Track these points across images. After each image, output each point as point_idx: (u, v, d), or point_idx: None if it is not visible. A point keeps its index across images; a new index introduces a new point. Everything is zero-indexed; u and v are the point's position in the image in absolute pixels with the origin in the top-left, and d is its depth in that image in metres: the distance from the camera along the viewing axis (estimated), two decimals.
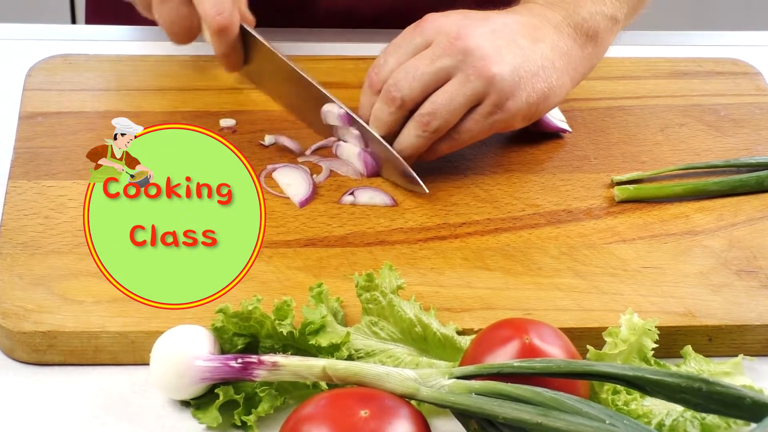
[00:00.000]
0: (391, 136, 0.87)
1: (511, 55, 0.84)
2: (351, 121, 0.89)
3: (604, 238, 0.86)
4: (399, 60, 0.85)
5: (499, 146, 0.96)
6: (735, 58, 1.09)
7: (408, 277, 0.79)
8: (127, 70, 1.04)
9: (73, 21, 1.98)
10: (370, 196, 0.88)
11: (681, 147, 0.97)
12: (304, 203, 0.87)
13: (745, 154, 0.95)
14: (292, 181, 0.88)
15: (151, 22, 1.13)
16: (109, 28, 1.14)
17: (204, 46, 1.02)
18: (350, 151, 0.90)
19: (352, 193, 0.88)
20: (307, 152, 0.92)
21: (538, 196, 0.90)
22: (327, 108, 0.90)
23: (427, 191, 0.87)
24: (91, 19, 1.26)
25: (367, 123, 0.88)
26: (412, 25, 0.86)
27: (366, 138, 0.89)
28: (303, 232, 0.85)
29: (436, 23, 0.85)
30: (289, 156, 0.92)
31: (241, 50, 0.94)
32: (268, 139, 0.95)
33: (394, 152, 0.87)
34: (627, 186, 0.90)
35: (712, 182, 0.91)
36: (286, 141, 0.94)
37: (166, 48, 1.05)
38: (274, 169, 0.90)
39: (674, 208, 0.89)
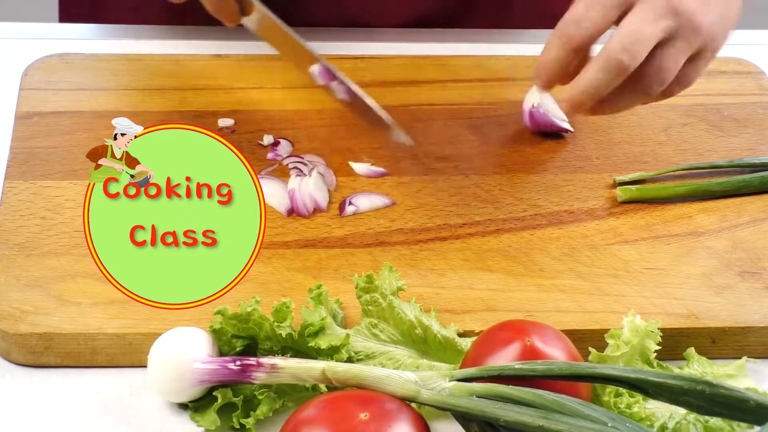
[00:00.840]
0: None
1: (714, 2, 0.80)
2: (332, 76, 0.91)
3: (606, 239, 0.86)
4: (606, 16, 0.77)
5: (501, 146, 0.96)
6: (739, 57, 1.09)
7: (408, 279, 0.79)
8: (124, 69, 1.04)
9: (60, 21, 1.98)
10: (370, 200, 0.88)
11: (684, 147, 0.97)
12: (291, 211, 0.87)
13: (748, 155, 0.95)
14: (273, 192, 0.88)
15: (142, 21, 1.13)
16: (106, 26, 1.14)
17: (202, 45, 1.02)
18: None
19: (351, 203, 0.88)
20: (284, 162, 0.92)
21: (540, 196, 0.90)
22: (312, 69, 0.91)
23: (412, 142, 0.89)
24: (65, 18, 1.25)
25: (548, 79, 0.80)
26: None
27: (351, 92, 0.90)
28: (302, 233, 0.85)
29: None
30: (267, 162, 0.92)
31: (234, 2, 0.93)
32: (267, 139, 0.95)
33: (380, 110, 0.89)
34: (629, 186, 0.90)
35: (715, 183, 0.91)
36: (284, 144, 0.94)
37: (164, 47, 1.05)
38: None
39: (677, 208, 0.89)
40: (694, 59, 0.81)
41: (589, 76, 0.77)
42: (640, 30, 0.76)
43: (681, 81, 0.82)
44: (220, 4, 0.91)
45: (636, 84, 0.79)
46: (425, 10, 1.11)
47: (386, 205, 0.87)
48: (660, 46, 0.78)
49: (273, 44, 0.95)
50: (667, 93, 0.83)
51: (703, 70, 0.84)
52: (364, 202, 0.88)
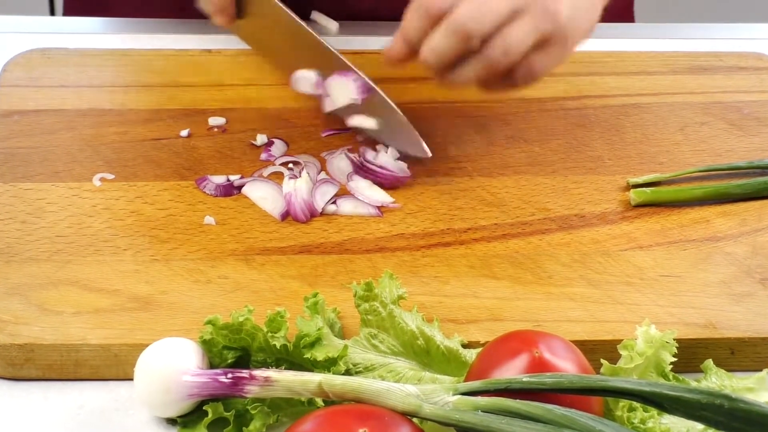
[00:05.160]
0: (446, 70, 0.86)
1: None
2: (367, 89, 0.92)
3: (619, 244, 0.86)
4: None
5: (507, 146, 0.96)
6: (759, 52, 1.09)
7: (410, 287, 0.79)
8: (109, 65, 1.04)
9: (52, 13, 1.99)
10: (354, 205, 0.88)
11: (701, 147, 0.97)
12: (285, 215, 0.87)
13: None
14: (266, 195, 0.88)
15: (134, 14, 1.13)
16: (90, 20, 1.14)
17: (191, 40, 1.02)
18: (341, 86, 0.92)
19: (334, 202, 0.88)
20: (277, 163, 0.92)
21: (549, 199, 0.90)
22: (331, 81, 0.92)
23: (430, 154, 0.90)
24: (70, 11, 1.26)
25: (411, 46, 0.85)
26: None
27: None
28: (297, 238, 0.85)
29: None
30: (260, 163, 0.92)
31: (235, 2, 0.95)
32: (261, 139, 0.95)
33: (402, 116, 0.90)
34: (644, 189, 0.90)
35: (734, 185, 0.91)
36: (278, 144, 0.94)
37: (151, 42, 1.06)
38: (243, 184, 0.89)
39: (694, 212, 0.89)
40: (543, 47, 0.84)
41: (436, 38, 0.83)
42: (489, 2, 0.82)
43: (528, 68, 0.85)
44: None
45: (479, 54, 0.83)
46: None
47: (370, 213, 0.87)
48: (508, 23, 0.83)
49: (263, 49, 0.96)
50: (514, 79, 0.85)
51: (553, 64, 0.86)
52: (347, 206, 0.88)
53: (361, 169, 0.91)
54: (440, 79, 0.85)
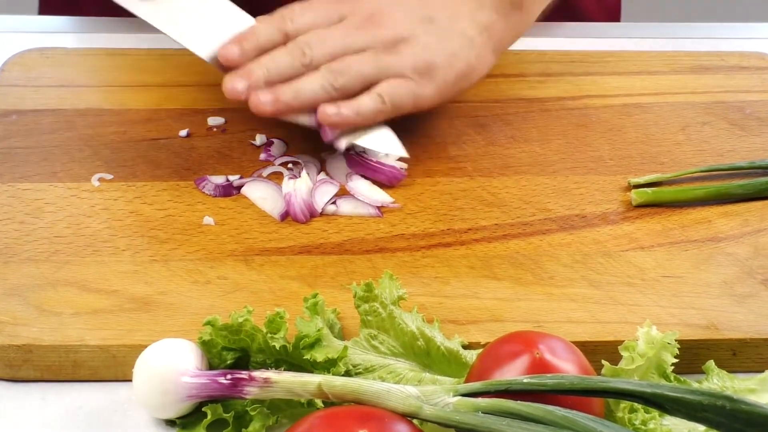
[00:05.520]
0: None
1: (427, 36, 0.86)
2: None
3: (620, 245, 0.86)
4: (315, 21, 0.86)
5: (507, 146, 0.96)
6: (761, 51, 1.09)
7: (410, 287, 0.79)
8: (108, 64, 1.04)
9: (40, 12, 1.98)
10: (354, 206, 0.88)
11: (703, 147, 0.97)
12: (285, 216, 0.87)
13: None
14: (266, 195, 0.88)
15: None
16: (88, 19, 1.14)
17: None
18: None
19: (334, 203, 0.88)
20: (277, 163, 0.92)
21: (550, 199, 0.90)
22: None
23: (407, 154, 0.90)
24: (43, 10, 1.25)
25: (245, 54, 0.86)
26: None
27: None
28: (297, 238, 0.85)
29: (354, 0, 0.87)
30: (260, 163, 0.92)
31: None
32: (260, 139, 0.95)
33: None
34: (645, 189, 0.90)
35: (736, 185, 0.91)
36: (276, 144, 0.94)
37: (150, 41, 1.05)
38: (242, 184, 0.89)
39: (696, 212, 0.89)
40: (387, 53, 0.86)
41: (276, 52, 0.85)
42: (332, 35, 0.86)
43: (380, 91, 0.86)
44: None
45: (321, 70, 0.85)
46: None
47: (370, 214, 0.87)
48: (350, 53, 0.86)
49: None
50: (353, 113, 0.86)
51: (403, 80, 0.87)
52: (347, 206, 0.88)
53: (358, 164, 0.91)
54: (271, 95, 0.85)
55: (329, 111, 0.84)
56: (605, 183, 0.92)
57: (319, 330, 0.72)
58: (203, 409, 0.70)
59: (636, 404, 0.70)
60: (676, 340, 0.73)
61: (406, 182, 0.91)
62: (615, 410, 0.71)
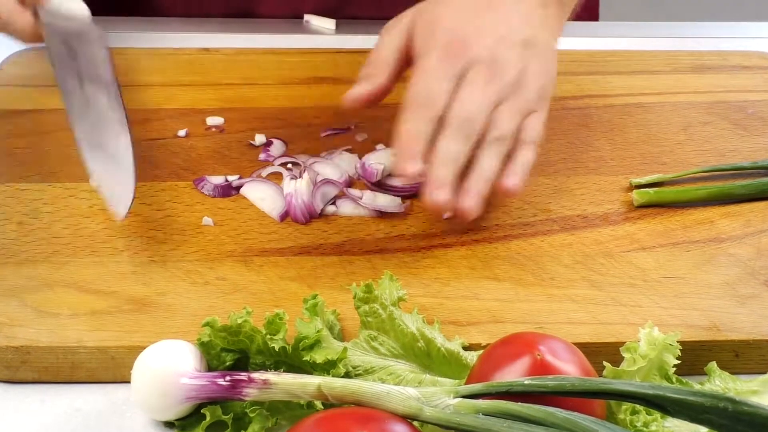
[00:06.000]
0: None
1: (534, 63, 0.88)
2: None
3: (621, 245, 0.86)
4: (448, 89, 0.85)
5: None
6: (763, 51, 1.10)
7: (410, 288, 0.79)
8: None
9: None
10: (354, 206, 0.88)
11: (705, 147, 0.97)
12: (284, 216, 0.87)
13: None
14: (265, 196, 0.89)
15: (129, 13, 1.13)
16: None
17: (189, 38, 1.02)
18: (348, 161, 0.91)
19: (334, 203, 0.88)
20: (276, 163, 0.92)
21: (551, 200, 0.90)
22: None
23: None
24: None
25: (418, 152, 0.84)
26: (442, 51, 0.87)
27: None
28: (296, 239, 0.85)
29: (463, 48, 0.87)
30: (259, 163, 0.93)
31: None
32: (259, 139, 0.95)
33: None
34: (647, 189, 0.91)
35: (738, 185, 0.91)
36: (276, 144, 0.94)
37: (148, 40, 1.05)
38: (241, 184, 0.90)
39: (698, 213, 0.90)
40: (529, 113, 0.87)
41: (446, 146, 0.83)
42: (477, 98, 0.85)
43: (527, 131, 0.87)
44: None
45: (488, 146, 0.85)
46: None
47: (370, 215, 0.88)
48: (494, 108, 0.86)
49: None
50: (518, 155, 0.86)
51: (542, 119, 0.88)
52: (347, 207, 0.88)
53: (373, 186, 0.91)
54: (474, 197, 0.84)
55: (513, 184, 0.85)
56: (606, 183, 0.92)
57: (318, 331, 0.72)
58: (202, 411, 0.70)
59: (638, 406, 0.70)
60: (678, 342, 0.73)
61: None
62: (617, 412, 0.71)
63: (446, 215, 0.86)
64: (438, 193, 0.82)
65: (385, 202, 0.88)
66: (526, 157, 0.86)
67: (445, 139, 0.83)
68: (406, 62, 0.89)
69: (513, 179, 0.84)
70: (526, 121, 0.87)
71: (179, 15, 1.14)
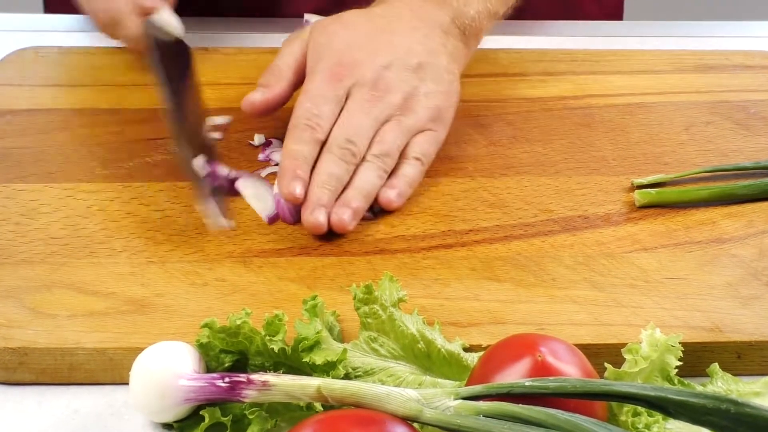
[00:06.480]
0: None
1: (425, 84, 0.91)
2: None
3: (623, 246, 0.86)
4: (334, 110, 0.89)
5: (509, 146, 0.96)
6: (766, 50, 1.10)
7: (410, 289, 0.79)
8: (103, 63, 1.04)
9: (46, 10, 1.99)
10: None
11: (707, 147, 0.97)
12: (274, 219, 0.87)
13: None
14: (258, 193, 0.89)
15: None
16: (83, 17, 1.14)
17: (187, 37, 1.02)
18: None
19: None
20: (274, 163, 0.93)
21: (552, 200, 0.90)
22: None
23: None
24: (50, 8, 1.26)
25: (299, 168, 0.87)
26: (328, 73, 0.90)
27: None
28: (296, 240, 0.85)
29: (350, 69, 0.90)
30: (258, 163, 0.93)
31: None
32: (258, 139, 0.95)
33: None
34: (648, 190, 0.91)
35: (741, 185, 0.91)
36: (275, 145, 0.94)
37: None
38: (237, 177, 0.90)
39: (700, 213, 0.90)
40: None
41: (326, 168, 0.87)
42: (359, 120, 0.89)
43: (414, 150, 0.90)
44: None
45: (369, 163, 0.88)
46: None
47: (368, 219, 0.88)
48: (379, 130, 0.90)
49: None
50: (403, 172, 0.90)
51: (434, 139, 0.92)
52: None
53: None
54: (349, 210, 0.86)
55: (392, 197, 0.88)
56: (608, 183, 0.92)
57: (318, 332, 0.72)
58: (201, 413, 0.70)
59: (639, 408, 0.70)
60: (680, 343, 0.73)
61: None
62: (618, 414, 0.71)
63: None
64: (315, 214, 0.85)
65: None
66: (407, 171, 0.89)
67: (324, 162, 0.87)
68: (302, 75, 0.92)
69: (390, 192, 0.88)
70: (413, 139, 0.90)
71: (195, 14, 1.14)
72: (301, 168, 0.86)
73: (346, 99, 0.90)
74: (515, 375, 0.68)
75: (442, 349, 0.74)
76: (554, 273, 0.83)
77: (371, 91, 0.90)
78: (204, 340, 0.71)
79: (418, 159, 0.90)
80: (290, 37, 0.95)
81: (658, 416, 0.70)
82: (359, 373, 0.73)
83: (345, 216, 0.85)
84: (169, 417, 0.71)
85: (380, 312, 0.75)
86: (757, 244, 0.87)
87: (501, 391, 0.66)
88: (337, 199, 0.86)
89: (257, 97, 0.92)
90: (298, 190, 0.85)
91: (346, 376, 0.72)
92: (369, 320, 0.75)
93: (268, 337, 0.71)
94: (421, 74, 0.92)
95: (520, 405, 0.64)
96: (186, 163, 0.87)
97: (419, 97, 0.91)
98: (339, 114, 0.89)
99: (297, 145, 0.87)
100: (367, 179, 0.88)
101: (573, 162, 0.95)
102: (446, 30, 0.95)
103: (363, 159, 0.88)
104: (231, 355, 0.72)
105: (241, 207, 0.88)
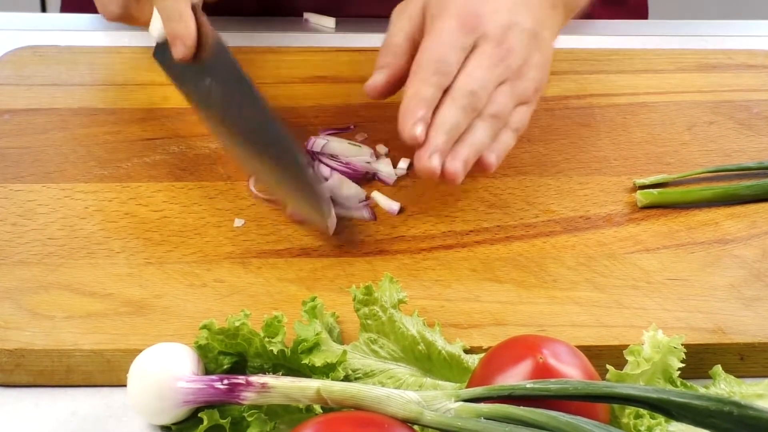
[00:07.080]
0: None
1: (538, 55, 0.89)
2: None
3: (625, 247, 0.86)
4: (460, 60, 0.87)
5: None
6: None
7: (410, 290, 0.79)
8: (102, 62, 1.04)
9: (43, 9, 1.99)
10: (345, 210, 0.88)
11: (710, 147, 0.97)
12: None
13: None
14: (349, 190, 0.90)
15: None
16: (81, 17, 1.14)
17: None
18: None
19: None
20: None
21: (554, 201, 0.90)
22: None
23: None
24: (67, 7, 1.26)
25: (420, 110, 0.85)
26: (457, 21, 0.88)
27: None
28: (295, 240, 0.85)
29: (478, 20, 0.88)
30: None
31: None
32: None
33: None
34: (651, 190, 0.90)
35: (744, 186, 0.91)
36: None
37: (145, 39, 1.05)
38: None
39: (702, 214, 0.89)
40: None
41: (449, 114, 0.85)
42: (484, 76, 0.86)
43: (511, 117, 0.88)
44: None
45: (484, 120, 0.86)
46: None
47: (366, 219, 0.88)
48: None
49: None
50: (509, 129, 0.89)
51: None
52: (337, 209, 0.88)
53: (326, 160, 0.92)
54: (461, 164, 0.85)
55: (493, 161, 0.87)
56: (610, 184, 0.92)
57: (317, 334, 0.72)
58: (199, 415, 0.70)
59: (641, 410, 0.70)
60: (682, 345, 0.73)
61: (407, 183, 0.91)
62: (620, 416, 0.71)
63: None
64: (433, 159, 0.83)
65: (350, 191, 0.89)
66: (506, 139, 0.87)
67: (448, 108, 0.85)
68: (417, 49, 0.89)
69: (492, 156, 0.86)
70: (517, 109, 0.88)
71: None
72: (422, 110, 0.85)
73: (471, 50, 0.88)
74: (516, 377, 0.67)
75: (443, 351, 0.74)
76: (555, 274, 0.83)
77: (497, 47, 0.88)
78: (202, 342, 0.71)
79: (517, 130, 0.88)
80: (396, 12, 0.93)
81: (661, 418, 0.70)
82: (359, 375, 0.73)
83: (459, 166, 0.84)
84: (168, 419, 0.70)
85: (380, 313, 0.75)
86: (761, 244, 0.87)
87: (502, 393, 0.66)
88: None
89: (380, 79, 0.90)
90: (419, 131, 0.83)
91: (346, 378, 0.72)
92: (369, 322, 0.75)
93: (267, 339, 0.71)
94: (534, 43, 0.90)
95: (522, 407, 0.64)
96: (302, 171, 0.85)
97: (530, 66, 0.89)
98: (462, 64, 0.87)
99: (423, 86, 0.85)
100: (481, 137, 0.86)
101: (574, 162, 0.95)
102: (554, 3, 0.94)
103: (480, 114, 0.86)
104: (230, 356, 0.72)
105: (240, 208, 0.88)
